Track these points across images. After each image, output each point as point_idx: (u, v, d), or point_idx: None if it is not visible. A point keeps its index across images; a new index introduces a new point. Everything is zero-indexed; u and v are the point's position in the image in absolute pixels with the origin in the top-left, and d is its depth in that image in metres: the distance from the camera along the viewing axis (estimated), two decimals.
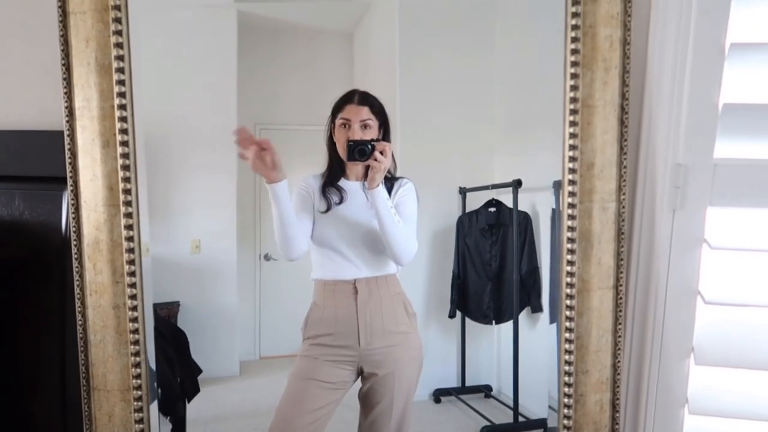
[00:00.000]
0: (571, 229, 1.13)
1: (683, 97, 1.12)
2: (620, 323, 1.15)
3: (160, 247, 3.57)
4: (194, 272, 3.70)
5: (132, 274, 1.11)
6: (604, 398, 1.16)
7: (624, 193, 1.14)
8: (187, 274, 3.67)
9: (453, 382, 3.34)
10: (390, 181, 1.51)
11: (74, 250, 1.12)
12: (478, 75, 3.36)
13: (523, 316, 2.93)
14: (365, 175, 1.43)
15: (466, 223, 3.20)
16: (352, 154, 1.38)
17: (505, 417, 2.96)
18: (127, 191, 1.10)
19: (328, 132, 1.55)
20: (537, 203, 3.02)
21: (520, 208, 2.84)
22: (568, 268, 1.13)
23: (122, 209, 1.11)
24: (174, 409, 2.40)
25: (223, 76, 3.74)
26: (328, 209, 1.48)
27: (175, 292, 3.61)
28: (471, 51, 3.37)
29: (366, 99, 1.50)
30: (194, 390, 2.63)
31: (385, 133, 1.54)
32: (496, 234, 3.12)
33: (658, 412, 1.18)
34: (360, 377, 1.49)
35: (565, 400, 1.15)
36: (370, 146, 1.36)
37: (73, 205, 1.12)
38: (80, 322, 1.12)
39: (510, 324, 3.04)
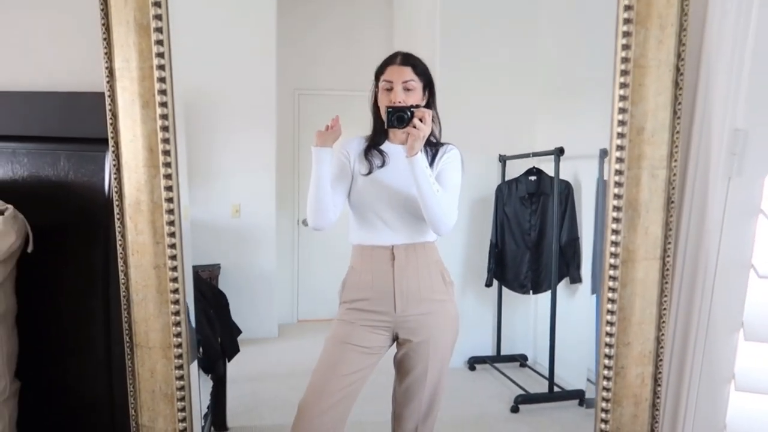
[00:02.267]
0: (617, 196, 1.08)
1: (745, 57, 1.04)
2: (666, 295, 1.10)
3: (201, 210, 3.64)
4: (234, 236, 3.77)
5: (172, 234, 1.11)
6: (646, 371, 1.12)
7: (676, 160, 1.08)
8: (227, 238, 3.73)
9: (488, 351, 3.34)
10: (434, 147, 1.47)
11: (116, 210, 1.14)
12: (520, 40, 3.25)
13: (562, 287, 2.89)
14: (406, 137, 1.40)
15: (506, 191, 3.14)
16: (390, 120, 1.34)
17: (539, 387, 2.95)
18: (166, 152, 1.10)
19: (372, 96, 1.52)
20: (579, 172, 2.93)
21: (561, 176, 2.76)
22: (613, 237, 1.09)
23: (162, 170, 1.11)
24: (215, 368, 2.46)
25: (262, 40, 3.73)
26: (370, 172, 1.45)
27: (216, 255, 3.69)
28: (514, 15, 3.26)
29: (408, 60, 1.45)
30: (234, 350, 2.70)
31: (430, 95, 1.49)
32: (536, 203, 3.05)
33: (702, 387, 1.14)
34: (395, 343, 1.49)
35: (605, 372, 1.12)
36: (409, 113, 1.33)
37: (114, 166, 1.13)
38: (123, 282, 1.14)
39: (547, 294, 2.99)
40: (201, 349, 2.36)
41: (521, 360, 3.23)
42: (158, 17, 1.09)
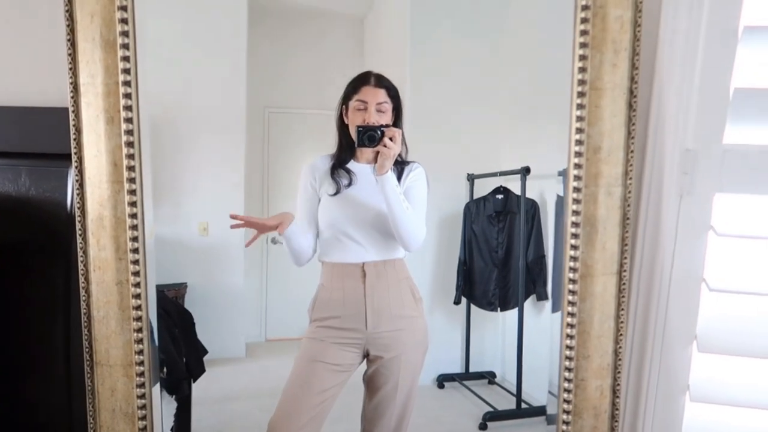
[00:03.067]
0: (575, 213, 1.11)
1: (694, 80, 1.10)
2: (623, 309, 1.14)
3: (168, 228, 3.59)
4: (202, 254, 3.72)
5: (135, 250, 1.11)
6: (605, 384, 1.15)
7: (631, 178, 1.12)
8: (194, 256, 3.69)
9: (457, 368, 3.35)
10: (400, 165, 1.50)
11: (78, 226, 1.12)
12: (487, 62, 3.33)
13: (528, 304, 2.93)
14: (376, 159, 1.41)
15: (474, 209, 3.18)
16: (361, 139, 1.36)
17: (508, 403, 2.97)
18: (130, 168, 1.10)
19: (339, 113, 1.54)
20: (545, 191, 3.00)
21: (528, 195, 2.82)
22: (572, 253, 1.12)
23: (126, 186, 1.10)
24: (179, 388, 2.42)
25: (233, 57, 3.73)
26: (338, 192, 1.47)
27: (182, 274, 3.63)
28: (481, 38, 3.34)
29: (382, 81, 1.48)
30: (200, 370, 2.65)
31: (397, 117, 1.52)
32: (503, 221, 3.11)
33: (659, 398, 1.17)
34: (366, 360, 1.49)
35: (566, 384, 1.14)
36: (379, 132, 1.35)
37: (77, 181, 1.12)
38: (84, 298, 1.13)
39: (515, 311, 3.03)
40: (165, 369, 2.32)
41: (489, 377, 3.25)
42: (125, 34, 1.09)
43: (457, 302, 3.15)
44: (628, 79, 1.11)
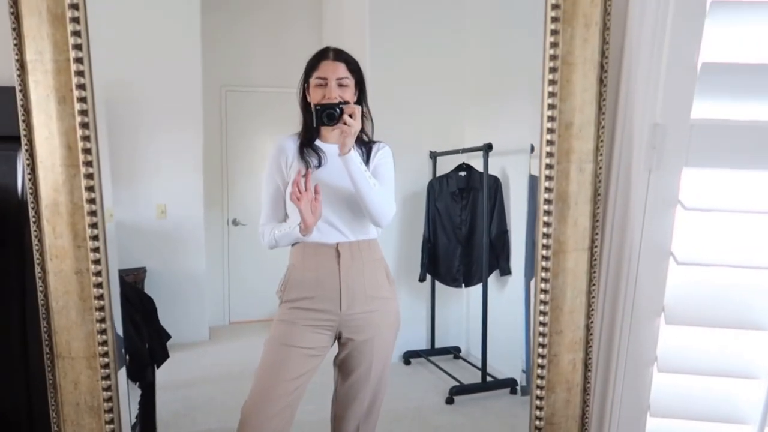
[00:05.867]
0: (548, 190, 1.11)
1: (662, 55, 1.10)
2: (594, 284, 1.15)
3: (125, 212, 3.47)
4: (161, 237, 3.61)
5: (95, 237, 1.05)
6: (577, 358, 1.16)
7: (601, 154, 1.12)
8: (153, 240, 3.58)
9: (423, 345, 3.37)
10: (367, 146, 1.48)
11: (32, 213, 1.05)
12: (449, 38, 3.30)
13: (492, 279, 2.96)
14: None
15: (437, 187, 3.18)
16: (320, 118, 1.31)
17: (473, 377, 3.01)
18: (87, 150, 1.03)
19: (301, 92, 1.48)
20: (507, 167, 3.01)
21: (490, 172, 2.83)
22: (545, 230, 1.11)
23: (82, 170, 1.04)
24: (143, 375, 2.35)
25: (187, 34, 3.59)
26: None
27: (141, 258, 3.52)
28: (442, 14, 3.30)
29: (341, 55, 1.43)
30: (163, 356, 2.58)
31: (360, 92, 1.48)
32: (466, 198, 3.11)
33: (628, 370, 1.19)
34: (337, 343, 1.46)
35: (539, 360, 1.15)
36: (338, 109, 1.31)
37: (28, 165, 1.05)
38: (41, 289, 1.06)
39: (478, 287, 3.06)
40: (127, 357, 2.25)
41: (455, 352, 3.29)
42: (74, 6, 1.02)
43: (422, 279, 3.15)
44: (599, 54, 1.10)
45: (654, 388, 1.19)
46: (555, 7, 1.07)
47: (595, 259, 1.14)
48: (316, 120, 1.31)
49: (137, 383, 2.34)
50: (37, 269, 1.06)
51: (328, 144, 1.45)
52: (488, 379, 2.79)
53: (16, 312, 1.18)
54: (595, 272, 1.14)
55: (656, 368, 1.19)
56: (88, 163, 1.04)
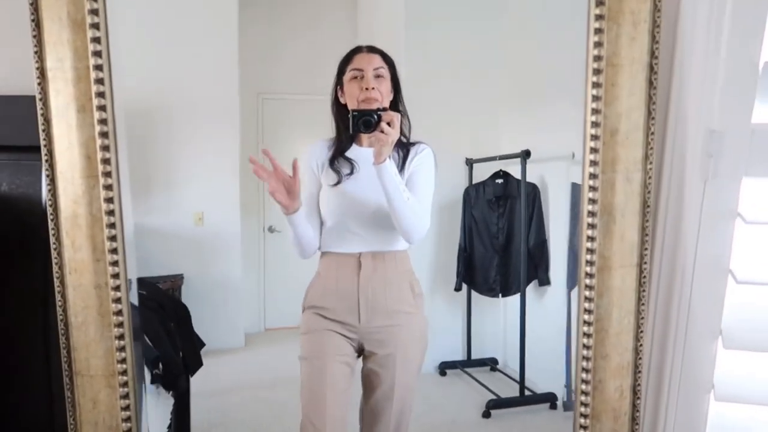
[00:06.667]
0: (592, 201, 1.01)
1: (719, 54, 0.99)
2: (643, 304, 1.04)
3: (162, 219, 3.48)
4: (197, 244, 3.62)
5: (114, 251, 1.00)
6: (625, 384, 1.06)
7: (651, 162, 1.01)
8: (190, 247, 3.58)
9: (459, 355, 3.27)
10: (405, 147, 1.37)
11: (51, 225, 1.02)
12: (486, 42, 3.21)
13: (530, 290, 2.84)
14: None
15: (473, 194, 3.08)
16: (356, 125, 1.21)
17: (510, 390, 2.89)
18: (105, 161, 0.99)
19: (333, 95, 1.40)
20: (545, 174, 2.89)
21: (528, 179, 2.72)
22: (589, 245, 1.02)
23: (101, 180, 0.99)
24: (176, 384, 2.33)
25: (225, 42, 3.59)
26: (338, 182, 1.34)
27: (178, 265, 3.53)
28: (479, 17, 3.21)
29: (375, 49, 1.35)
30: (197, 364, 2.56)
31: (396, 91, 1.38)
32: (503, 206, 3.01)
33: (681, 398, 1.08)
34: (362, 356, 1.40)
35: (583, 386, 1.04)
36: (375, 116, 1.20)
37: (48, 176, 1.01)
38: (60, 304, 1.02)
39: (516, 297, 2.95)
40: (161, 365, 2.23)
41: (491, 364, 3.18)
42: (94, 12, 0.98)
43: (458, 289, 3.06)
44: (647, 54, 1.00)
45: (711, 419, 1.08)
46: (599, 3, 0.98)
47: (645, 277, 1.03)
48: (352, 127, 1.22)
49: (170, 392, 2.32)
50: (57, 283, 1.02)
51: (363, 149, 1.37)
52: (527, 392, 2.68)
53: (39, 327, 1.15)
54: (644, 291, 1.04)
55: (713, 397, 1.07)
56: (107, 174, 0.99)
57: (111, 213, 1.00)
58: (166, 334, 2.32)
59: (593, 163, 1.01)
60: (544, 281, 2.87)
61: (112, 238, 1.00)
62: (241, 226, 3.64)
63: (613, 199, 1.01)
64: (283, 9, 3.94)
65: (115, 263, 1.01)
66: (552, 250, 2.88)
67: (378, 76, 1.30)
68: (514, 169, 3.02)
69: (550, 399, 2.69)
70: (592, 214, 1.01)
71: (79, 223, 1.01)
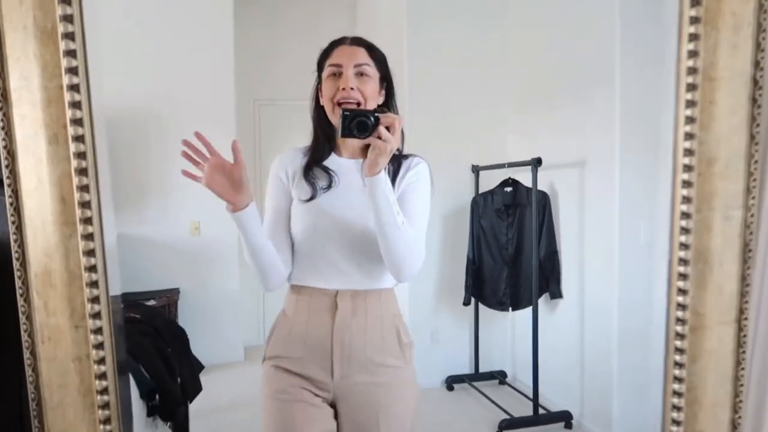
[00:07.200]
0: (683, 246, 0.80)
1: None
2: (743, 368, 0.83)
3: (156, 230, 3.21)
4: (194, 256, 3.37)
5: (97, 315, 0.77)
6: None
7: (753, 197, 0.81)
8: (186, 259, 3.33)
9: (466, 368, 3.06)
10: (396, 160, 1.06)
11: (18, 284, 0.79)
12: (491, 45, 2.98)
13: (541, 303, 2.64)
14: (364, 152, 0.97)
15: (481, 203, 2.86)
16: (347, 127, 0.91)
17: (520, 405, 2.69)
18: (85, 204, 0.76)
19: (314, 94, 1.11)
20: (555, 181, 2.69)
21: (538, 187, 2.52)
22: (679, 299, 0.81)
23: (80, 229, 0.76)
24: (175, 414, 2.10)
25: (220, 50, 3.34)
26: (313, 197, 1.04)
27: (174, 279, 3.27)
28: (483, 20, 2.99)
29: (361, 41, 1.06)
30: (196, 389, 2.33)
31: (388, 94, 1.09)
32: (512, 215, 2.79)
33: None
34: (336, 419, 1.07)
35: None
36: (372, 118, 0.91)
37: (14, 222, 0.78)
38: (31, 379, 0.79)
39: (525, 309, 2.74)
40: (158, 398, 2.00)
41: (500, 377, 2.98)
42: (68, 19, 0.74)
43: (466, 303, 2.85)
44: (751, 65, 0.78)
45: None
46: (696, 3, 0.76)
47: (745, 335, 0.83)
48: (343, 130, 0.91)
49: (168, 423, 2.10)
50: (26, 354, 0.80)
51: (343, 159, 1.08)
52: (540, 410, 2.48)
53: (13, 409, 0.91)
54: (744, 352, 0.83)
55: None
56: (87, 221, 0.76)
57: (93, 269, 0.77)
58: (163, 361, 2.09)
59: (686, 199, 0.79)
60: (556, 294, 2.67)
61: (95, 300, 0.77)
62: (239, 238, 3.37)
63: (710, 242, 0.80)
64: (279, 14, 3.70)
65: (98, 330, 0.78)
66: (563, 261, 2.68)
67: (361, 74, 1.02)
68: (522, 176, 2.81)
69: (565, 418, 2.49)
70: (683, 261, 0.80)
71: (54, 282, 0.78)
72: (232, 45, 3.29)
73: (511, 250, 2.79)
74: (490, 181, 2.88)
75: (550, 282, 2.65)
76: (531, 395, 2.54)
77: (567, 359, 2.58)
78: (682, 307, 0.80)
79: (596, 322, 2.39)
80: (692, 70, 0.78)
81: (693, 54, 0.78)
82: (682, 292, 0.80)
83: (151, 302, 2.90)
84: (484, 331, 3.04)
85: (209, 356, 3.29)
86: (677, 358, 0.81)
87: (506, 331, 3.12)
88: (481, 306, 2.96)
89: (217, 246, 3.41)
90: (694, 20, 0.77)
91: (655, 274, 2.26)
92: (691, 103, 0.78)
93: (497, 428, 2.46)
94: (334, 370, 1.03)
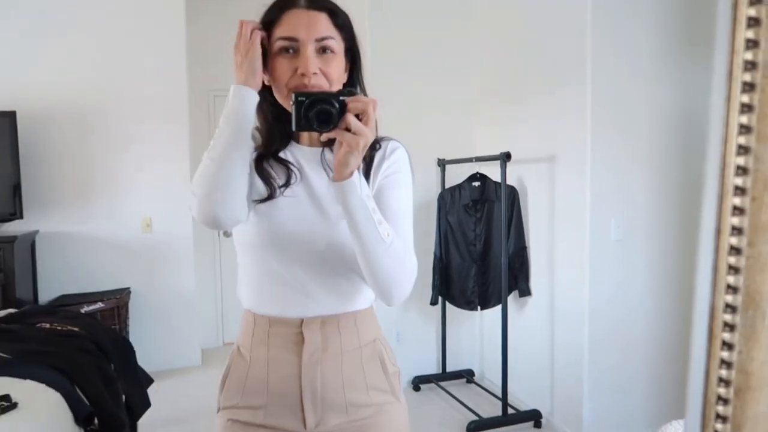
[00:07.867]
0: (731, 289, 0.60)
1: None
2: None
3: (105, 227, 2.89)
4: (146, 253, 3.06)
5: None
6: None
7: None
8: (138, 257, 3.02)
9: (433, 368, 2.89)
10: (369, 149, 0.74)
11: None
12: (460, 31, 2.76)
13: (510, 301, 2.47)
14: (330, 141, 0.73)
15: (448, 199, 2.65)
16: (305, 117, 0.64)
17: (489, 405, 2.53)
18: None
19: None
20: (524, 176, 2.51)
21: (507, 182, 2.33)
22: (724, 354, 0.61)
23: None
24: None
25: (172, 40, 3.01)
26: (270, 197, 0.75)
27: (124, 278, 2.97)
28: (452, 9, 2.76)
29: (319, 3, 0.74)
30: (144, 405, 2.05)
31: (353, 68, 0.78)
32: (480, 210, 2.60)
33: None
34: None
35: None
36: (337, 104, 0.64)
37: None
38: None
39: (494, 308, 2.58)
40: (96, 421, 1.73)
41: (467, 376, 2.81)
42: None
43: (434, 303, 2.64)
44: None
45: None
46: None
47: None
48: (297, 121, 0.64)
49: None
50: None
51: (306, 147, 0.79)
52: (509, 410, 2.33)
53: None
54: None
55: None
56: None
57: None
58: (104, 380, 1.82)
59: (736, 230, 0.59)
60: (525, 291, 2.51)
61: None
62: (193, 231, 3.09)
63: (763, 285, 0.61)
64: (234, 2, 3.38)
65: None
66: (533, 258, 2.52)
67: (324, 50, 0.72)
68: (490, 170, 2.62)
69: (534, 417, 2.35)
70: (730, 308, 0.60)
71: None
72: (185, 36, 2.98)
73: (479, 246, 2.61)
74: (457, 175, 2.68)
75: (519, 279, 2.48)
76: (500, 394, 2.38)
77: (536, 357, 2.43)
78: (726, 364, 0.61)
79: (566, 319, 2.24)
80: (751, 65, 0.57)
81: (752, 44, 0.57)
82: (727, 345, 0.61)
83: (99, 304, 2.60)
84: (451, 329, 2.86)
85: (163, 361, 3.01)
86: (718, 427, 0.62)
87: (474, 330, 2.96)
88: (448, 305, 2.79)
89: (171, 243, 3.12)
90: (755, 1, 0.57)
91: (628, 272, 2.13)
92: (746, 108, 0.58)
93: (465, 430, 2.30)
94: (307, 418, 0.77)
